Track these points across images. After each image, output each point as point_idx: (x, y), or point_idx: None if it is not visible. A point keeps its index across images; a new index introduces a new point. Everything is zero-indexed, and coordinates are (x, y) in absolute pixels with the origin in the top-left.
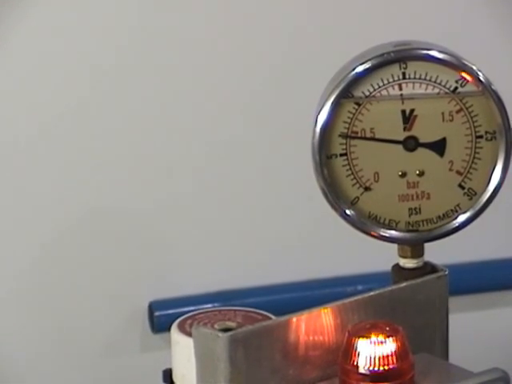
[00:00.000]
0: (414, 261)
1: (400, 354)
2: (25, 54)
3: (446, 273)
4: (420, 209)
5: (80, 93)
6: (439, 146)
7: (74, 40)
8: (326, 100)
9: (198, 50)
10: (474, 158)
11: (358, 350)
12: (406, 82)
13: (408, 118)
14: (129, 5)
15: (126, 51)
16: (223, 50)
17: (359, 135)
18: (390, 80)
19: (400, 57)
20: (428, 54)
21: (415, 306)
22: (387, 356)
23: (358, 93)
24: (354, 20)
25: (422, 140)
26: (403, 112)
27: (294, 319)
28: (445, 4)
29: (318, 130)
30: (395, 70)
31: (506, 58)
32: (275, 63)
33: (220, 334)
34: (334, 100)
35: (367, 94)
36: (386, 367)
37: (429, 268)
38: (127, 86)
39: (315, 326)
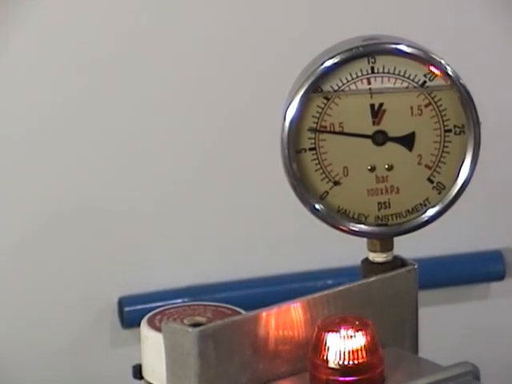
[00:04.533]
0: (384, 255)
1: (370, 348)
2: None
3: (416, 267)
4: (389, 203)
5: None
6: (408, 141)
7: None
8: (295, 94)
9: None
10: (443, 152)
11: (328, 344)
12: (375, 77)
13: (377, 112)
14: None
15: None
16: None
17: (328, 129)
18: (359, 74)
19: (369, 51)
20: (396, 49)
21: (385, 300)
22: (357, 350)
23: (326, 87)
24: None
25: (390, 134)
26: (372, 106)
27: (264, 314)
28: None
29: (286, 124)
30: (364, 65)
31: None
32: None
33: (190, 329)
34: (303, 94)
35: (336, 88)
36: (356, 361)
37: (398, 262)
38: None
39: (285, 320)
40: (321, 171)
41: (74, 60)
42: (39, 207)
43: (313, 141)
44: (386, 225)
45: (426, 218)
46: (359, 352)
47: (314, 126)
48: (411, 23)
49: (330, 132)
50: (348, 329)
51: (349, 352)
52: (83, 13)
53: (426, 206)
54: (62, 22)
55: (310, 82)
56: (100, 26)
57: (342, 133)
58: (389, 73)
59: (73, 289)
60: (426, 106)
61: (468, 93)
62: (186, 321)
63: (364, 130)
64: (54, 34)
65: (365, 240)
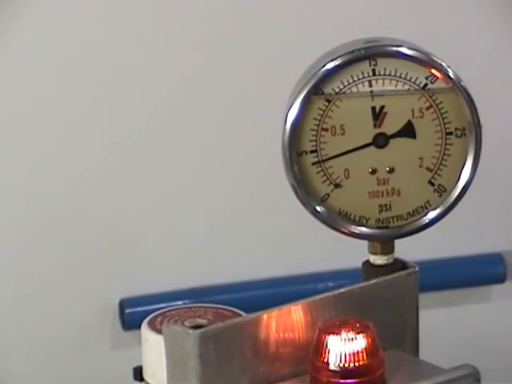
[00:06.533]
0: (384, 257)
1: (370, 351)
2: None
3: (416, 269)
4: (390, 205)
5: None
6: (408, 130)
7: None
8: (296, 97)
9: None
10: (444, 154)
11: (329, 346)
12: (376, 79)
13: (378, 115)
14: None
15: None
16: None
17: (329, 132)
18: (360, 77)
19: (370, 53)
20: (398, 51)
21: (385, 302)
22: (357, 353)
23: (328, 89)
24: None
25: (390, 133)
26: (373, 109)
27: (265, 316)
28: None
29: (288, 126)
30: (365, 67)
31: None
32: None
33: (190, 331)
34: (304, 97)
35: (337, 90)
36: (357, 364)
37: (399, 265)
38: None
39: (286, 322)
40: (322, 173)
41: (74, 61)
42: (40, 208)
43: (314, 143)
44: (386, 227)
45: (426, 221)
46: (360, 354)
47: (316, 128)
48: (412, 25)
49: (331, 158)
50: (349, 331)
51: (349, 354)
52: (82, 12)
53: (427, 208)
54: (61, 20)
55: (311, 84)
56: (98, 26)
57: (342, 153)
58: (390, 75)
59: (74, 290)
60: (428, 108)
61: (469, 95)
62: (186, 323)
63: (365, 132)
64: (52, 33)
65: (366, 242)
